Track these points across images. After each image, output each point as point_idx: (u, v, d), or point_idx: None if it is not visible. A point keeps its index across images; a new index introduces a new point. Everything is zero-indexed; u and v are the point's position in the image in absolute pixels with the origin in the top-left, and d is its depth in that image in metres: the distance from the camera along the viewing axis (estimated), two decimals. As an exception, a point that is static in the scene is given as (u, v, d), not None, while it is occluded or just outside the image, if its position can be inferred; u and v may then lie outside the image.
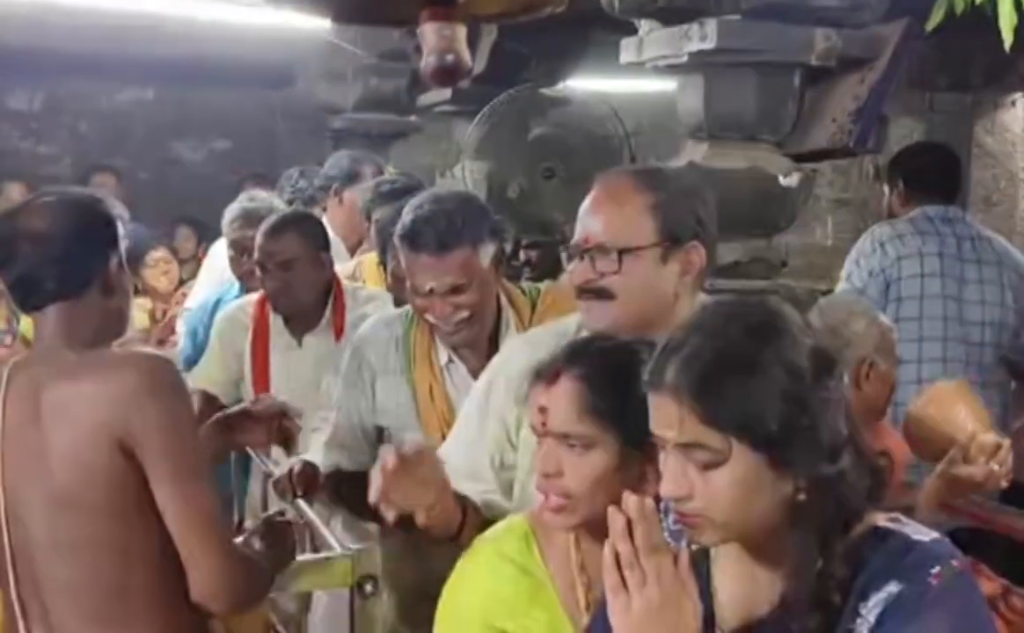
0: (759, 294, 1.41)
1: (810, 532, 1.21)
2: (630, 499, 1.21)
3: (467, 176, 4.06)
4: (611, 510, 1.21)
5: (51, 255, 1.83)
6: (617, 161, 3.31)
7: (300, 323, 3.06)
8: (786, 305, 1.32)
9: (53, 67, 6.12)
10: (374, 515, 2.39)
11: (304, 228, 3.07)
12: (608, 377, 1.50)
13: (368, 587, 2.24)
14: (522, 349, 1.94)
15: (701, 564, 1.32)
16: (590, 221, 1.83)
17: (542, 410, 1.54)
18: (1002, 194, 6.29)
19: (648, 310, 1.81)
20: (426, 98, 5.36)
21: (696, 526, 1.25)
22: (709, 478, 1.21)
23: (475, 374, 2.21)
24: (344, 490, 2.43)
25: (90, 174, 5.66)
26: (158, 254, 5.02)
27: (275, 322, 3.09)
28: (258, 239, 3.04)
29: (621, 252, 1.78)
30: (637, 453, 1.50)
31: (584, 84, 4.95)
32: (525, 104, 3.83)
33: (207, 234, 5.32)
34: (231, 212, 3.62)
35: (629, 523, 1.20)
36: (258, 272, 3.05)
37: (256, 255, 3.03)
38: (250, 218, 3.47)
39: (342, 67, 5.77)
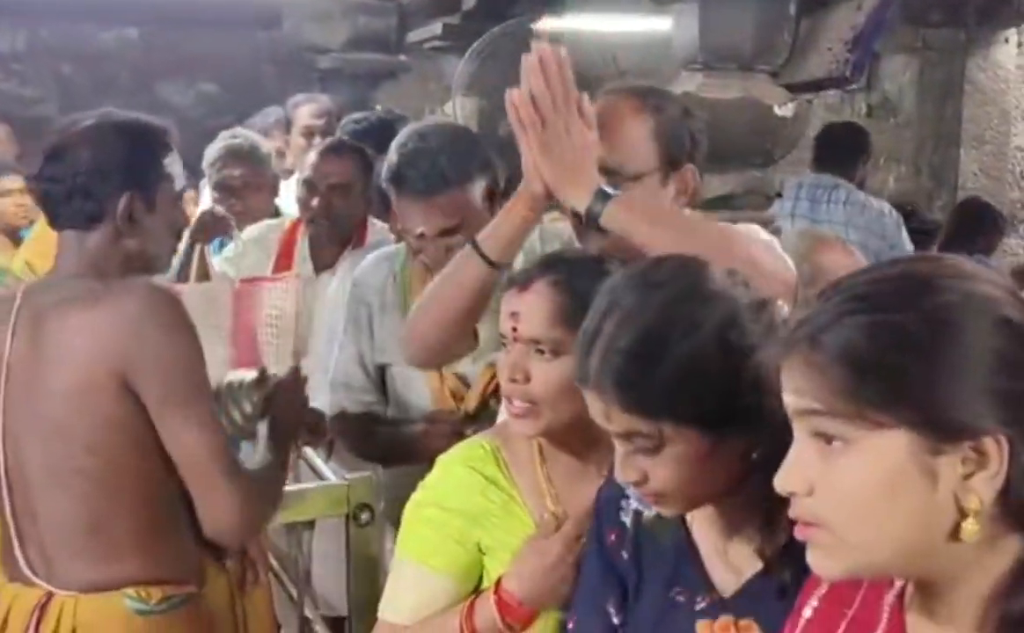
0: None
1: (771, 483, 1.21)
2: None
3: (458, 112, 4.02)
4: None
5: (64, 180, 1.78)
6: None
7: (327, 255, 3.01)
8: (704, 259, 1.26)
9: (34, 6, 6.02)
10: (379, 458, 2.40)
11: (362, 157, 3.02)
12: (581, 284, 1.47)
13: (364, 516, 2.24)
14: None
15: (679, 531, 1.31)
16: None
17: (514, 315, 1.51)
18: (994, 132, 6.26)
19: None
20: (415, 35, 5.29)
21: (660, 504, 1.24)
22: (655, 460, 1.19)
23: None
24: (350, 432, 2.41)
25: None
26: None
27: (301, 249, 3.03)
28: (314, 158, 2.99)
29: (627, 180, 1.74)
30: None
31: (576, 22, 4.89)
32: (516, 40, 3.80)
33: (198, 178, 5.26)
34: (212, 153, 3.44)
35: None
36: (302, 191, 2.98)
37: (308, 173, 2.97)
38: (233, 156, 3.37)
39: (329, 6, 5.69)
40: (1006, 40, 6.20)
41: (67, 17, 6.28)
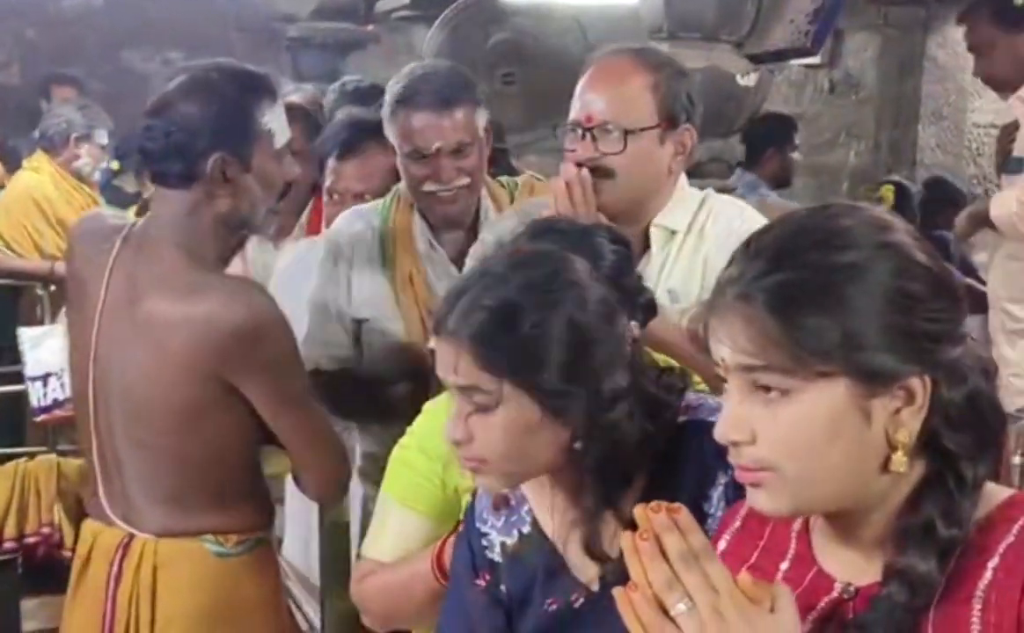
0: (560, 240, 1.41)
1: (591, 477, 1.27)
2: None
3: (427, 81, 4.02)
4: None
5: (157, 139, 1.75)
6: (577, 72, 3.31)
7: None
8: (572, 254, 1.32)
9: (-2, -28, 5.97)
10: (355, 416, 2.43)
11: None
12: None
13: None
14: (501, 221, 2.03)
15: (542, 545, 1.37)
16: (592, 100, 1.84)
17: None
18: (951, 108, 6.37)
19: (644, 189, 1.87)
20: (384, 4, 5.30)
21: (478, 471, 1.31)
22: (486, 421, 1.25)
23: (455, 262, 2.22)
24: (327, 389, 2.44)
25: (48, 84, 5.52)
26: None
27: None
28: None
29: (626, 132, 1.80)
30: None
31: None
32: (484, 9, 3.82)
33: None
34: None
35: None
36: None
37: None
38: None
39: (298, -27, 5.69)
40: (964, 18, 6.30)
41: (31, -18, 6.23)
